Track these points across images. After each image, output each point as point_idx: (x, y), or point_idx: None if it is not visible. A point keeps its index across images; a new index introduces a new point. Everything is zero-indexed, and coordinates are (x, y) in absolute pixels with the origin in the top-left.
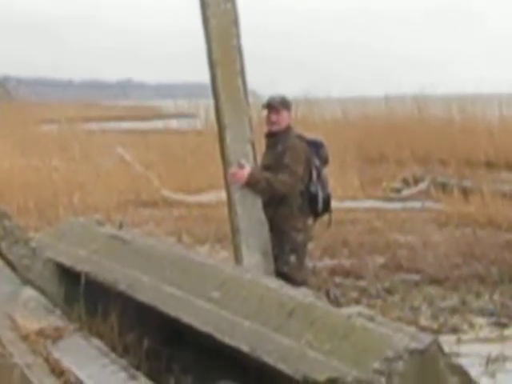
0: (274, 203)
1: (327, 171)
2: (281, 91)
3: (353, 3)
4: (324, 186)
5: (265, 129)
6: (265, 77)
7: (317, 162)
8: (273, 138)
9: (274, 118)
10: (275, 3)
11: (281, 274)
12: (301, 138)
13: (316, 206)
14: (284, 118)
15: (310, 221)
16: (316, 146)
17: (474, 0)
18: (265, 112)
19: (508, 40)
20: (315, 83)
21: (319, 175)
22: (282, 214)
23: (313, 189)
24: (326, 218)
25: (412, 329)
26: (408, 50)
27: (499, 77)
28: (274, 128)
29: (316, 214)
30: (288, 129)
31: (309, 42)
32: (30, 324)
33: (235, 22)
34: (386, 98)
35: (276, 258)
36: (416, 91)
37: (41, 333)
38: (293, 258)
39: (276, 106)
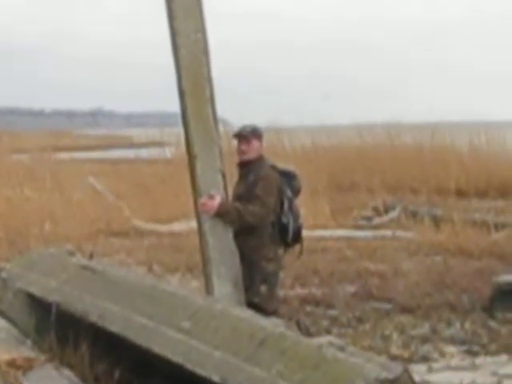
0: (243, 233)
1: (298, 201)
2: (251, 120)
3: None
4: (295, 217)
5: (236, 159)
6: (236, 106)
7: (289, 192)
8: (245, 167)
9: (244, 147)
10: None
11: (251, 305)
12: (274, 168)
13: (286, 236)
14: (254, 148)
15: (280, 250)
16: (289, 177)
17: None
18: (235, 142)
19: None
20: (287, 112)
21: (291, 206)
22: (253, 244)
23: (284, 220)
24: (297, 247)
25: (383, 358)
26: (376, 80)
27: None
28: (245, 157)
29: (286, 245)
30: (260, 158)
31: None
32: (1, 355)
33: (205, 51)
34: (358, 126)
35: (247, 288)
36: (386, 120)
37: (12, 363)
38: (263, 288)
39: (246, 135)
